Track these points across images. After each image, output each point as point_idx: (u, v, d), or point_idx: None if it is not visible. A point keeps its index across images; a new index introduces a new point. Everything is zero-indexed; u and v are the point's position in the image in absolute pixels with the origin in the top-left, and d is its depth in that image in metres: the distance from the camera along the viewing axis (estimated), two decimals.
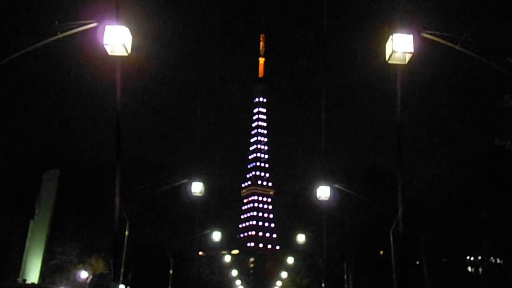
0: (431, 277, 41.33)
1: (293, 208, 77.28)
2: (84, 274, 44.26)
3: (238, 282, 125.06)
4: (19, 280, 34.32)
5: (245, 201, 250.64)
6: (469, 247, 43.75)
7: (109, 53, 14.69)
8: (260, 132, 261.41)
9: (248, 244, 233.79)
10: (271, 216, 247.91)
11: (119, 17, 14.52)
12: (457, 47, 14.95)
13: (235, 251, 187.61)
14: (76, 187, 43.69)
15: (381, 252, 49.57)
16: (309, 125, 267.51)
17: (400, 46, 14.44)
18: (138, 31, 15.29)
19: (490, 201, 35.95)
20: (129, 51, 14.72)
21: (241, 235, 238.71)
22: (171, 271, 51.63)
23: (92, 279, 45.44)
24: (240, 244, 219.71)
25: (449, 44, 15.04)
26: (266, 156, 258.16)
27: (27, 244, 36.36)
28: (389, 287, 37.72)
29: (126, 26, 14.53)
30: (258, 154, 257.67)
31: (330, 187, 33.32)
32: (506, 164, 31.04)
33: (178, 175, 43.86)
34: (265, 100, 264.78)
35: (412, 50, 14.47)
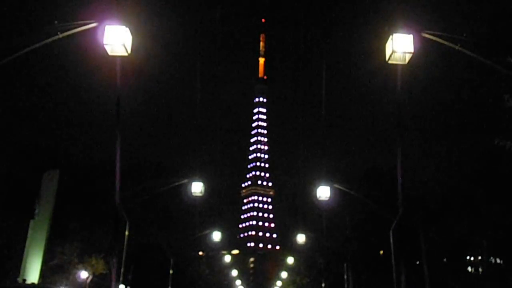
0: (431, 277, 41.32)
1: (293, 208, 77.33)
2: (84, 274, 44.23)
3: (238, 282, 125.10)
4: (19, 280, 34.30)
5: (245, 201, 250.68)
6: (469, 247, 43.77)
7: (109, 53, 14.68)
8: (260, 132, 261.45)
9: (248, 244, 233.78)
10: (271, 216, 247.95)
11: (119, 17, 14.52)
12: (457, 47, 14.94)
13: (235, 251, 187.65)
14: (76, 187, 43.66)
15: (381, 252, 49.56)
16: (309, 125, 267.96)
17: (400, 46, 14.43)
18: (138, 31, 15.29)
19: (490, 201, 35.94)
20: (129, 51, 14.71)
21: (241, 235, 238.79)
22: (171, 271, 51.63)
23: (92, 279, 45.40)
24: (240, 244, 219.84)
25: (449, 44, 15.03)
26: (266, 156, 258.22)
27: (27, 244, 36.35)
28: (389, 287, 37.70)
29: (126, 26, 14.53)
30: (258, 154, 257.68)
31: (330, 187, 33.33)
32: (506, 164, 31.01)
33: (178, 175, 43.87)
34: (265, 100, 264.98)
35: (412, 50, 14.46)
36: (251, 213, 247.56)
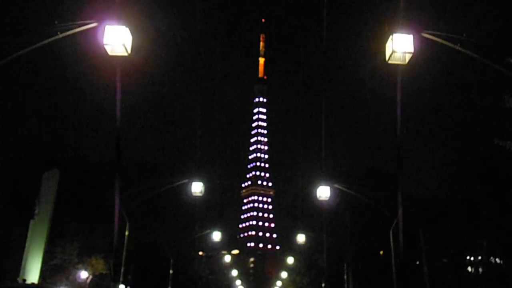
0: (431, 277, 41.33)
1: (293, 208, 77.31)
2: (84, 274, 44.25)
3: (238, 282, 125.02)
4: (19, 280, 34.32)
5: (245, 201, 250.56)
6: (469, 247, 43.79)
7: (109, 53, 14.67)
8: (260, 132, 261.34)
9: (248, 244, 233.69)
10: (271, 216, 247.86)
11: (119, 17, 14.51)
12: (457, 47, 14.94)
13: (235, 251, 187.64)
14: (76, 187, 43.67)
15: (381, 252, 49.57)
16: (309, 125, 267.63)
17: (400, 46, 14.42)
18: (138, 31, 15.28)
19: (490, 201, 35.98)
20: (129, 51, 14.70)
21: (241, 235, 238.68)
22: (171, 271, 51.63)
23: (92, 279, 45.42)
24: (240, 244, 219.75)
25: (449, 44, 15.02)
26: (266, 156, 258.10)
27: (27, 244, 36.38)
28: (389, 287, 37.73)
29: (126, 26, 14.52)
30: (258, 154, 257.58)
31: (330, 187, 33.29)
32: (506, 164, 31.05)
33: (178, 175, 43.85)
34: (265, 100, 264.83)
35: (412, 50, 14.45)
36: (251, 213, 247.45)
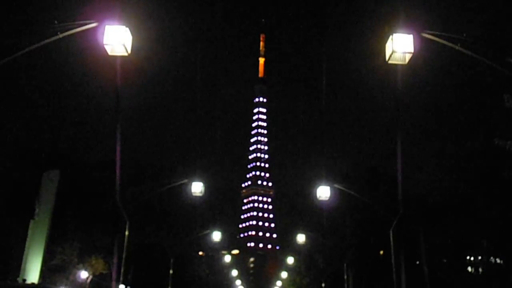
0: (431, 277, 41.33)
1: (293, 208, 77.27)
2: (84, 274, 44.25)
3: (238, 282, 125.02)
4: (19, 280, 34.28)
5: (245, 201, 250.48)
6: (469, 247, 43.78)
7: (109, 53, 14.68)
8: (260, 132, 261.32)
9: (248, 244, 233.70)
10: (271, 216, 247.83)
11: (119, 17, 14.51)
12: (457, 47, 14.94)
13: (235, 251, 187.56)
14: (76, 187, 43.65)
15: (381, 252, 49.55)
16: (309, 125, 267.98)
17: (400, 46, 14.43)
18: (138, 31, 15.29)
19: (490, 201, 35.95)
20: (129, 51, 14.71)
21: (241, 235, 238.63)
22: (171, 271, 51.63)
23: (92, 279, 45.42)
24: (240, 244, 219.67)
25: (449, 44, 15.02)
26: (266, 156, 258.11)
27: (27, 244, 36.31)
28: (389, 287, 37.73)
29: (126, 26, 14.52)
30: (258, 154, 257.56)
31: (330, 187, 33.33)
32: (506, 164, 31.03)
33: (178, 175, 43.87)
34: (265, 100, 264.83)
35: (412, 50, 14.46)
36: (251, 213, 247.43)
